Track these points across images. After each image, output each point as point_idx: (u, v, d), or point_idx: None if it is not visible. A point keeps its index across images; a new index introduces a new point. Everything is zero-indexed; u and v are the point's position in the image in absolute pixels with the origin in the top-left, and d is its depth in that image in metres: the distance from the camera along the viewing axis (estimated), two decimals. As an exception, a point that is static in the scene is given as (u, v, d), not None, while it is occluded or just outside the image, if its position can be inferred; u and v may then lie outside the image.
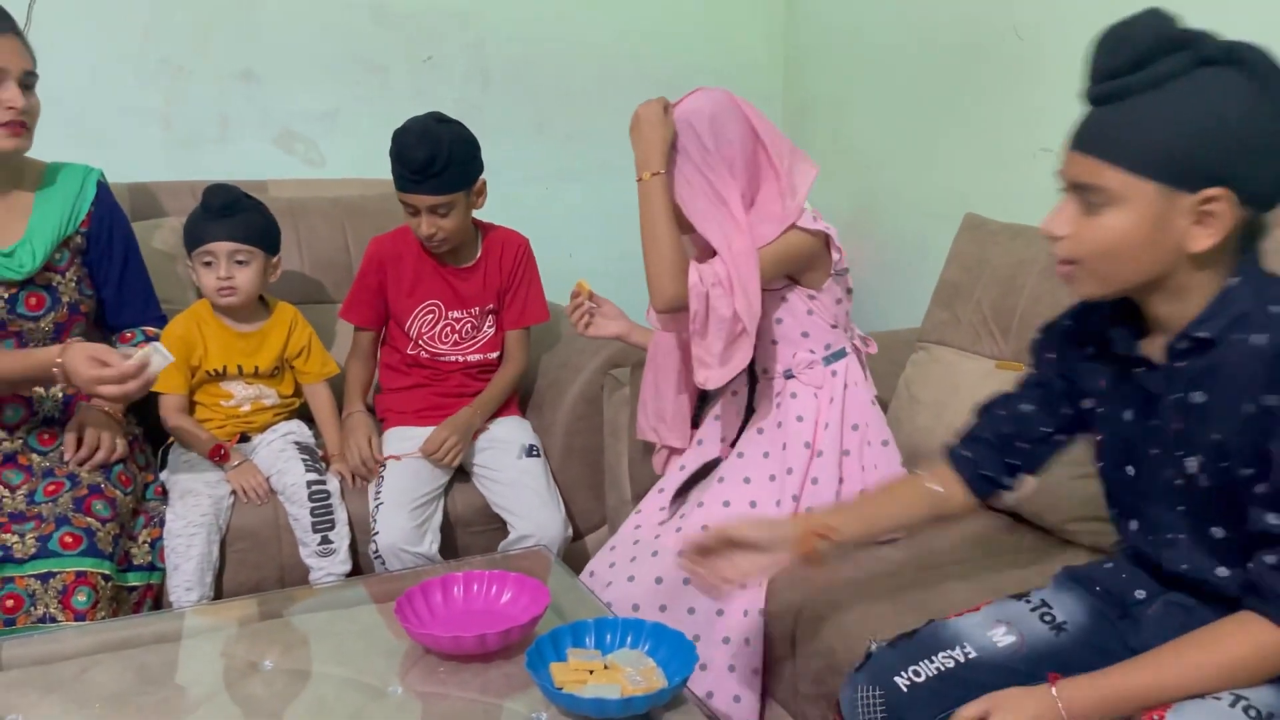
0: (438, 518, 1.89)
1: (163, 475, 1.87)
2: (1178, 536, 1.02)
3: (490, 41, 2.58)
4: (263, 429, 1.98)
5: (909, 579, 1.44)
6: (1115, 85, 0.91)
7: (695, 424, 1.75)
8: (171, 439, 1.93)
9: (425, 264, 2.02)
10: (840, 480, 1.59)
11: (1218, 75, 0.89)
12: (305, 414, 2.04)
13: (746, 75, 2.80)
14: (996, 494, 1.18)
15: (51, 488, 1.68)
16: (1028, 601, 1.13)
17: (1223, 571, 0.99)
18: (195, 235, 1.87)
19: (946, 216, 2.24)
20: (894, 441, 1.69)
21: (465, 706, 1.18)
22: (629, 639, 1.25)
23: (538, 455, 1.98)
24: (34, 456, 1.74)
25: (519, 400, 2.12)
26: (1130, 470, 1.05)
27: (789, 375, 1.64)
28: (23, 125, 1.62)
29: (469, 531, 1.94)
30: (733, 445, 1.67)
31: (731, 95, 1.58)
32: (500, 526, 1.91)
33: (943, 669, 1.05)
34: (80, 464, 1.71)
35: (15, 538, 1.58)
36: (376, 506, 1.81)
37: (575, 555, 1.96)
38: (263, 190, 2.09)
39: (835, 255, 1.60)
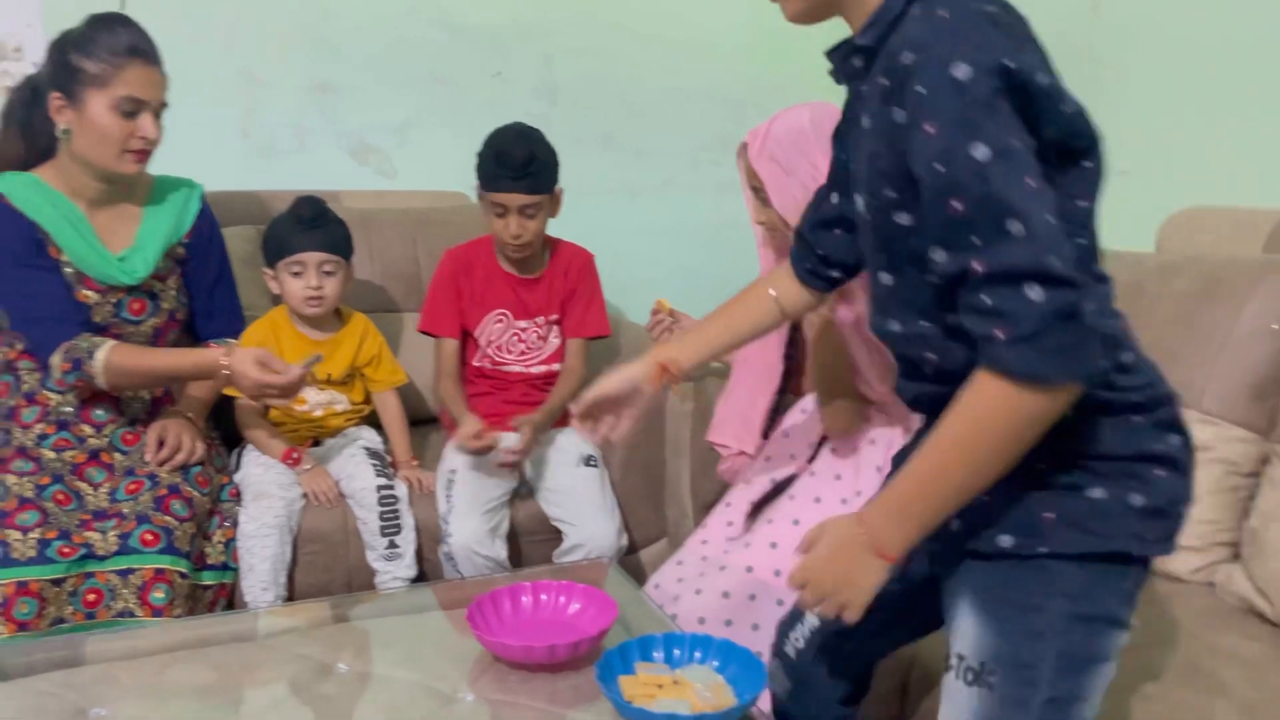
0: (506, 524, 1.91)
1: (237, 477, 1.90)
2: (882, 294, 1.00)
3: (558, 56, 2.60)
4: (334, 434, 2.00)
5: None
6: None
7: (764, 435, 1.74)
8: (246, 442, 1.96)
9: (495, 273, 2.04)
10: None
11: None
12: (375, 421, 2.07)
13: (813, 92, 2.77)
14: (822, 285, 1.22)
15: (132, 486, 1.72)
16: None
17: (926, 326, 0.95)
18: (284, 245, 1.91)
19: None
20: None
21: (535, 716, 1.19)
22: (697, 655, 1.25)
23: (595, 466, 1.98)
24: (117, 456, 1.78)
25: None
26: (880, 276, 1.02)
27: (866, 400, 1.62)
28: (147, 153, 1.70)
29: (531, 540, 1.95)
30: (809, 462, 1.65)
31: (830, 107, 1.53)
32: (558, 535, 1.92)
33: (814, 625, 1.19)
34: (161, 464, 1.76)
35: (98, 535, 1.63)
36: (449, 510, 1.84)
37: (630, 568, 1.93)
38: (336, 201, 2.13)
39: None
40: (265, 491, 1.83)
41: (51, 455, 1.72)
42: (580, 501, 1.91)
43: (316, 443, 1.98)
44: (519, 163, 1.85)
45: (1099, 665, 0.95)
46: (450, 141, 2.45)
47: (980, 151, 0.79)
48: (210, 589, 1.74)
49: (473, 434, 1.84)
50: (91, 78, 1.63)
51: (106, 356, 1.65)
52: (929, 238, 0.86)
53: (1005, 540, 0.94)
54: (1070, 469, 0.92)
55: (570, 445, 1.99)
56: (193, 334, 1.92)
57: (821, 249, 1.18)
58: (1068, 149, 0.87)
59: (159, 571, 1.61)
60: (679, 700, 1.14)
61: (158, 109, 1.69)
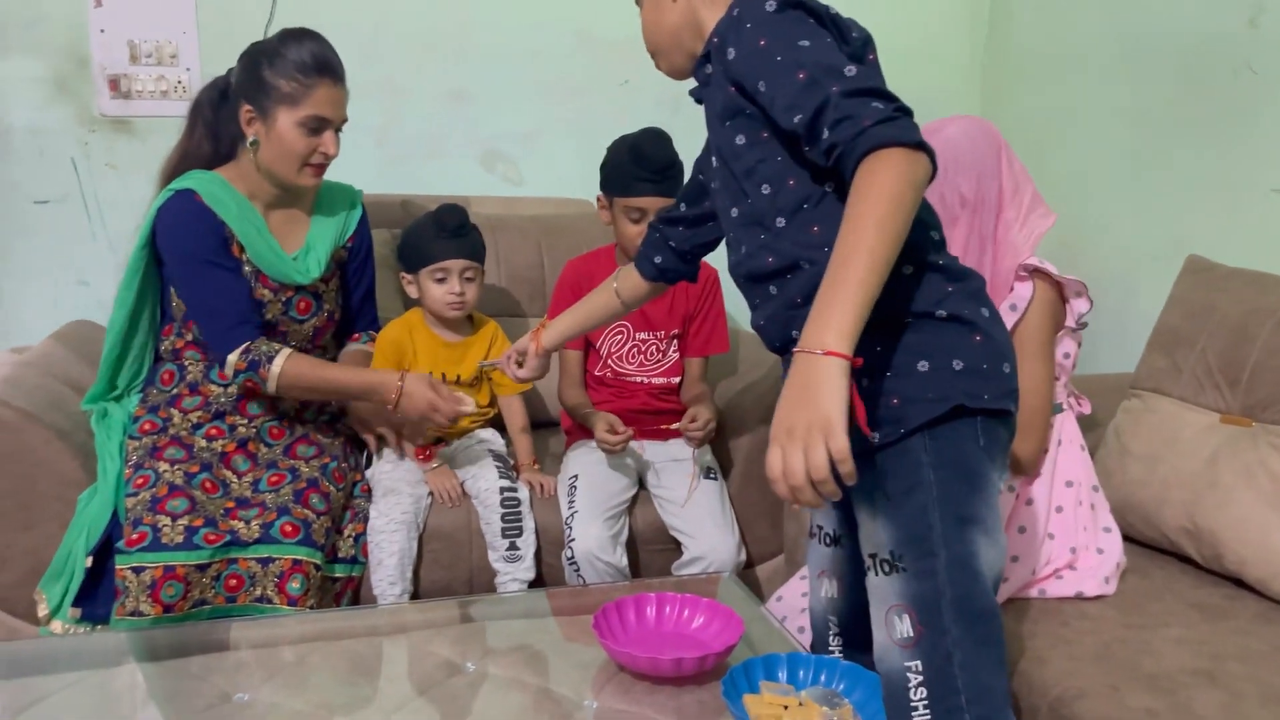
0: (626, 531, 1.90)
1: (368, 473, 1.93)
2: (732, 229, 1.15)
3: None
4: (461, 435, 2.03)
5: (1117, 638, 1.37)
6: None
7: None
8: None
9: None
10: (1049, 535, 1.52)
11: None
12: (498, 424, 2.09)
13: (941, 100, 2.72)
14: (652, 273, 1.41)
15: (274, 479, 1.77)
16: (813, 535, 1.29)
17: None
18: (428, 252, 1.93)
19: (1160, 257, 2.12)
20: (1103, 492, 1.61)
21: (660, 729, 1.18)
22: (821, 677, 1.24)
23: (715, 478, 1.97)
24: (262, 448, 1.83)
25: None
26: (734, 212, 1.14)
27: None
28: (325, 167, 1.77)
29: (649, 549, 1.94)
30: None
31: (984, 124, 1.49)
32: (676, 546, 1.91)
33: (835, 650, 1.28)
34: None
35: (241, 523, 1.67)
36: (571, 515, 1.83)
37: (747, 583, 1.84)
38: (466, 207, 2.08)
39: (1084, 305, 1.52)
40: (394, 488, 1.85)
41: (203, 444, 1.77)
42: (700, 514, 1.89)
43: (442, 443, 2.00)
44: (662, 165, 1.84)
45: (980, 519, 1.05)
46: (576, 150, 2.52)
47: (803, 40, 1.01)
48: (340, 580, 1.77)
49: (607, 427, 1.85)
50: (282, 95, 1.68)
51: (283, 365, 1.71)
52: (782, 114, 1.01)
53: (871, 437, 1.05)
54: (900, 354, 1.05)
55: (690, 456, 1.98)
56: (341, 334, 1.98)
57: (671, 239, 1.38)
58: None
59: (296, 562, 1.64)
60: (806, 723, 1.12)
61: (340, 126, 1.75)
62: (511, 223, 2.32)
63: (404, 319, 2.01)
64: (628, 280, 1.47)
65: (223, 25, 2.31)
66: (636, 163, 1.85)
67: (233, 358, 1.71)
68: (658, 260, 1.42)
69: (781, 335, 1.13)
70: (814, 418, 0.89)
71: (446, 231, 1.91)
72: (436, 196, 2.30)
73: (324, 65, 1.69)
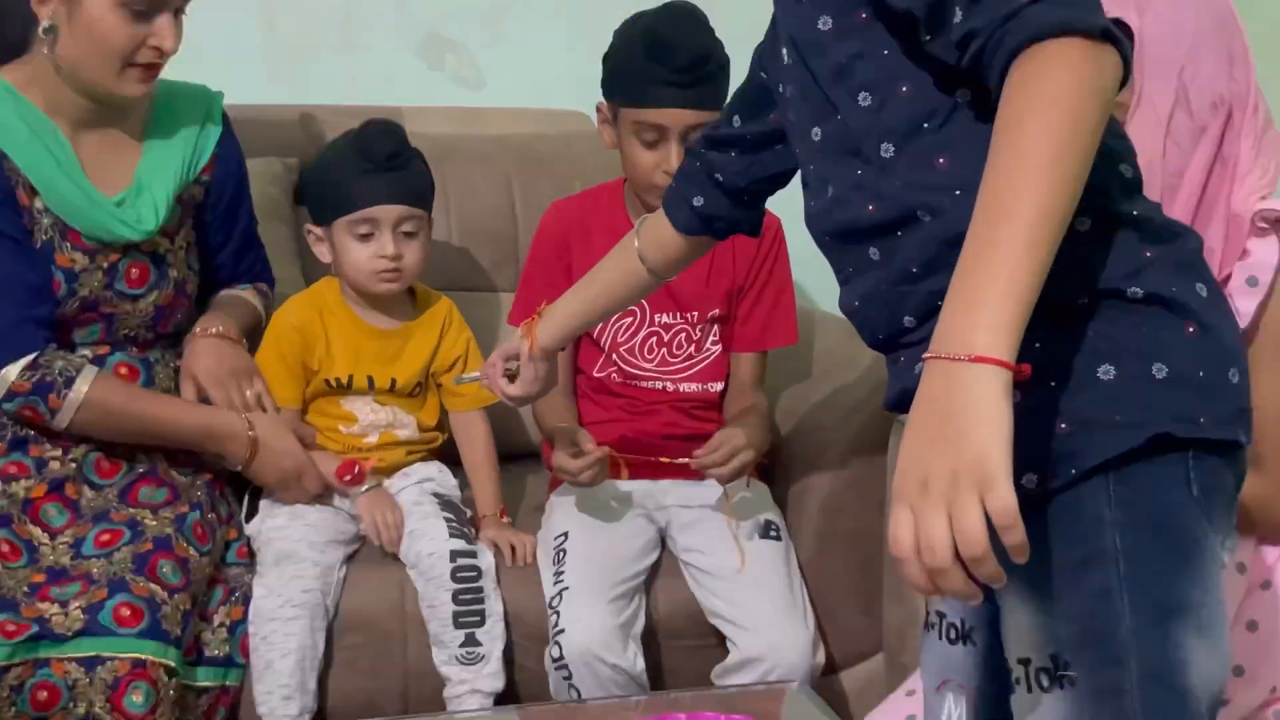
0: (642, 619, 1.87)
1: (250, 529, 1.89)
2: (815, 154, 1.14)
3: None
4: (391, 472, 1.97)
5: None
6: None
7: None
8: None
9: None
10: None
11: None
12: (450, 455, 2.05)
13: None
14: (697, 223, 1.42)
15: (106, 537, 1.71)
16: (931, 627, 1.27)
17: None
18: (346, 193, 1.90)
19: None
20: None
21: None
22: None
23: (777, 537, 1.92)
24: (86, 491, 1.78)
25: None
26: (816, 135, 1.13)
27: None
28: (158, 69, 1.74)
29: (677, 646, 1.91)
30: None
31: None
32: (719, 642, 1.88)
33: None
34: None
35: (55, 606, 1.62)
36: (559, 593, 1.81)
37: (829, 695, 1.90)
38: (400, 123, 2.08)
39: None
40: (291, 552, 1.81)
41: None
42: (755, 593, 1.85)
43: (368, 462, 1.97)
44: (690, 58, 1.82)
45: (1192, 609, 1.01)
46: (561, 35, 2.46)
47: None
48: (207, 693, 1.73)
49: (570, 447, 1.83)
50: None
51: (89, 391, 1.69)
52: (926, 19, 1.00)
53: (1026, 480, 0.98)
54: (1071, 355, 1.01)
55: (740, 508, 1.94)
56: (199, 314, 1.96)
57: (719, 170, 1.38)
58: None
59: (138, 664, 1.60)
60: None
61: (180, 4, 1.72)
62: (467, 148, 2.29)
63: (311, 294, 1.96)
64: (654, 235, 1.46)
65: None
66: (653, 55, 1.84)
67: (11, 374, 1.68)
68: (698, 202, 1.41)
69: (888, 323, 1.12)
70: (963, 461, 0.85)
71: (373, 163, 1.88)
72: (355, 108, 2.25)
73: None
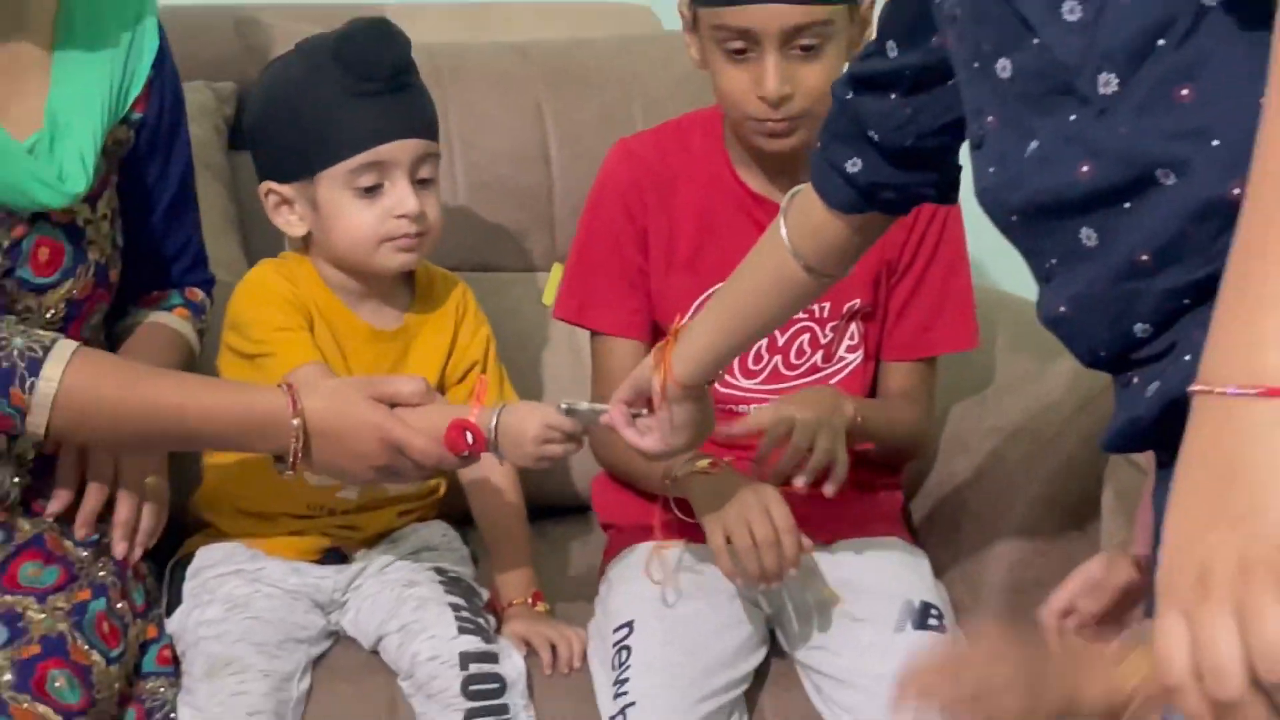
0: None
1: (172, 625, 1.49)
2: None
3: None
4: (377, 540, 1.58)
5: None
6: None
7: None
8: (188, 551, 1.55)
9: (730, 195, 1.62)
10: None
11: None
12: (458, 509, 1.64)
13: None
14: (854, 196, 1.20)
15: None
16: None
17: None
18: (336, 133, 1.52)
19: None
20: None
21: None
22: None
23: (938, 626, 1.55)
24: None
25: (900, 507, 1.73)
26: (1004, 70, 0.95)
27: None
28: None
29: None
30: None
31: None
32: None
33: None
34: (83, 526, 1.48)
35: None
36: (621, 710, 1.45)
37: None
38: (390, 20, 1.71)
39: None
40: (232, 658, 1.43)
41: None
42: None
43: (338, 556, 1.55)
44: None
45: None
46: None
47: None
48: None
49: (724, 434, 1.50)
50: None
51: (66, 373, 1.34)
52: None
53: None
54: None
55: (882, 580, 1.55)
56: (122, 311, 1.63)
57: (871, 125, 1.17)
58: None
59: None
60: None
61: None
62: (479, 61, 1.91)
63: (281, 268, 1.60)
64: (805, 219, 1.22)
65: None
66: None
67: None
68: (852, 168, 1.18)
69: (1112, 333, 0.90)
70: (1259, 539, 0.66)
71: (372, 81, 1.51)
72: (315, 6, 1.91)
73: None
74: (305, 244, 1.57)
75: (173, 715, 1.43)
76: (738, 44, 1.50)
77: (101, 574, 1.45)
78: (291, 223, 1.55)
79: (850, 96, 1.16)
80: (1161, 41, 0.83)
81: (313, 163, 1.51)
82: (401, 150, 1.49)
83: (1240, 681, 0.67)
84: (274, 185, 1.53)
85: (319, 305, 1.56)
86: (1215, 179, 0.79)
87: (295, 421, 1.34)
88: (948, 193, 1.18)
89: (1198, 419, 0.71)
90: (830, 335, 1.63)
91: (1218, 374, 0.70)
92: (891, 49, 1.12)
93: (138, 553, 1.50)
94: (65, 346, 1.35)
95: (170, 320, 1.60)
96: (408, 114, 1.53)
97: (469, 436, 1.34)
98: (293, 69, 1.55)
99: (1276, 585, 0.66)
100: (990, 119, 0.96)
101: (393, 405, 1.35)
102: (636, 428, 1.33)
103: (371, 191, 1.50)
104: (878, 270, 1.62)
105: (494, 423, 1.36)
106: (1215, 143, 0.80)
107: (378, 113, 1.51)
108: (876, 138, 1.14)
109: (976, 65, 0.96)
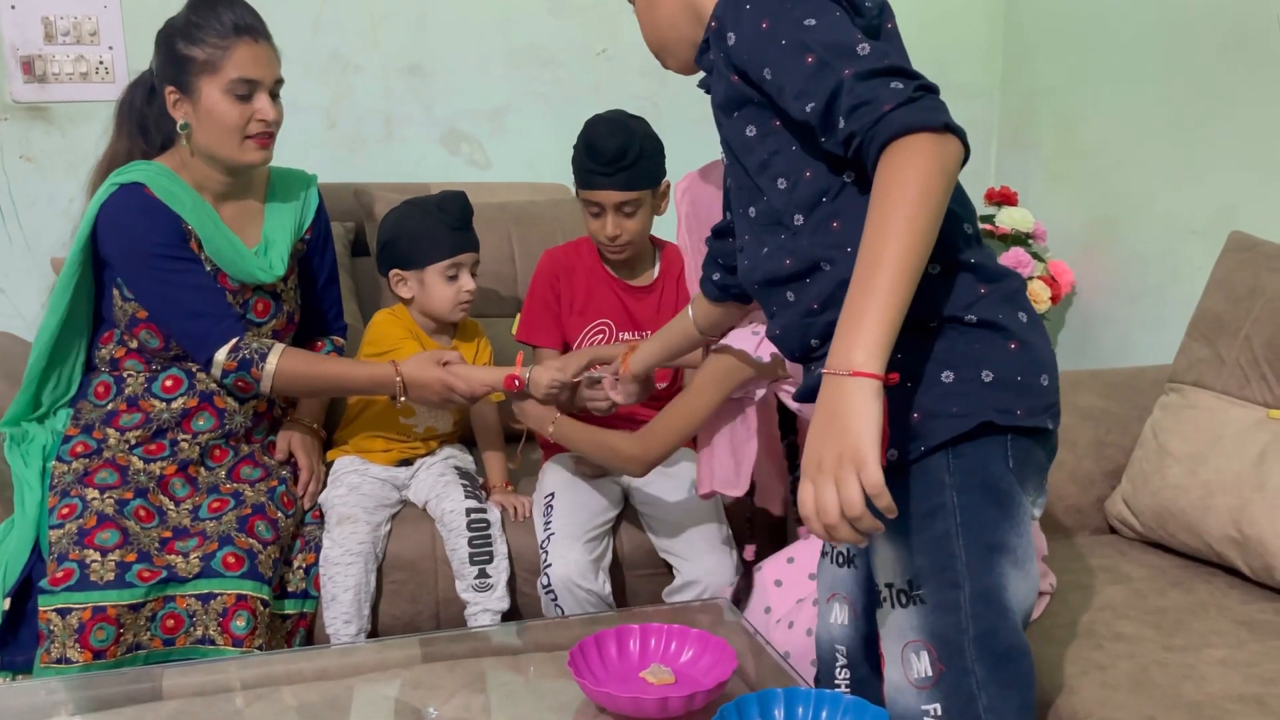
0: (609, 555, 1.88)
1: (321, 498, 1.91)
2: (749, 231, 1.16)
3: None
4: (424, 454, 2.01)
5: (1156, 660, 1.38)
6: None
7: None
8: (330, 455, 1.98)
9: (599, 278, 2.00)
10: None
11: None
12: (469, 439, 2.08)
13: (959, 64, 2.74)
14: (716, 293, 1.41)
15: (216, 504, 1.76)
16: (825, 554, 1.30)
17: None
18: (438, 245, 1.88)
19: (1203, 234, 2.12)
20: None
21: (644, 776, 1.17)
22: (823, 713, 1.21)
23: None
24: (203, 470, 1.81)
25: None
26: (751, 212, 1.15)
27: None
28: (271, 136, 1.75)
29: (636, 575, 1.93)
30: None
31: None
32: (668, 569, 1.90)
33: (841, 684, 1.29)
34: (304, 495, 1.87)
35: (180, 557, 1.66)
36: (547, 537, 1.82)
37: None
38: (425, 194, 2.08)
39: None
40: (350, 515, 1.84)
41: (140, 465, 1.75)
42: (692, 533, 1.87)
43: (407, 463, 1.98)
44: (611, 156, 1.82)
45: (1010, 547, 1.06)
46: (551, 129, 2.50)
47: (809, 19, 1.02)
48: (290, 618, 1.77)
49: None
50: (201, 65, 1.67)
51: (278, 362, 1.70)
52: (792, 103, 1.02)
53: (891, 455, 1.04)
54: (923, 364, 1.05)
55: (681, 470, 1.94)
56: (302, 338, 1.96)
57: (720, 255, 1.36)
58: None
59: (241, 598, 1.64)
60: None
61: (274, 87, 1.73)
62: (479, 211, 2.12)
63: (389, 317, 1.98)
64: (700, 304, 1.47)
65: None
66: (587, 153, 1.85)
67: (220, 357, 1.70)
68: (716, 278, 1.41)
69: (800, 344, 1.14)
70: (844, 448, 0.90)
71: (459, 222, 1.90)
72: (394, 185, 2.30)
73: (239, 23, 1.68)
74: (407, 302, 1.95)
75: (319, 544, 1.82)
76: (594, 208, 1.88)
77: (284, 473, 1.88)
78: (403, 291, 1.94)
79: (711, 240, 1.40)
80: (824, 199, 1.07)
81: (422, 261, 1.89)
82: (469, 257, 1.89)
83: (836, 515, 0.90)
84: (400, 272, 1.91)
85: (414, 333, 1.96)
86: (848, 268, 0.95)
87: (397, 378, 1.71)
88: None
89: (825, 386, 0.93)
90: None
91: (832, 363, 0.93)
92: (727, 214, 1.34)
93: (308, 501, 1.88)
94: (278, 347, 1.73)
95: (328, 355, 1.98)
96: (471, 239, 1.91)
97: (516, 382, 1.71)
98: (405, 216, 1.91)
99: (852, 468, 0.90)
100: (746, 237, 1.18)
101: (444, 365, 1.73)
102: (614, 393, 1.63)
103: (454, 278, 1.90)
104: (676, 311, 1.77)
105: (527, 375, 1.71)
106: (849, 249, 0.98)
107: (458, 238, 1.88)
108: (722, 262, 1.38)
109: (740, 211, 1.18)
